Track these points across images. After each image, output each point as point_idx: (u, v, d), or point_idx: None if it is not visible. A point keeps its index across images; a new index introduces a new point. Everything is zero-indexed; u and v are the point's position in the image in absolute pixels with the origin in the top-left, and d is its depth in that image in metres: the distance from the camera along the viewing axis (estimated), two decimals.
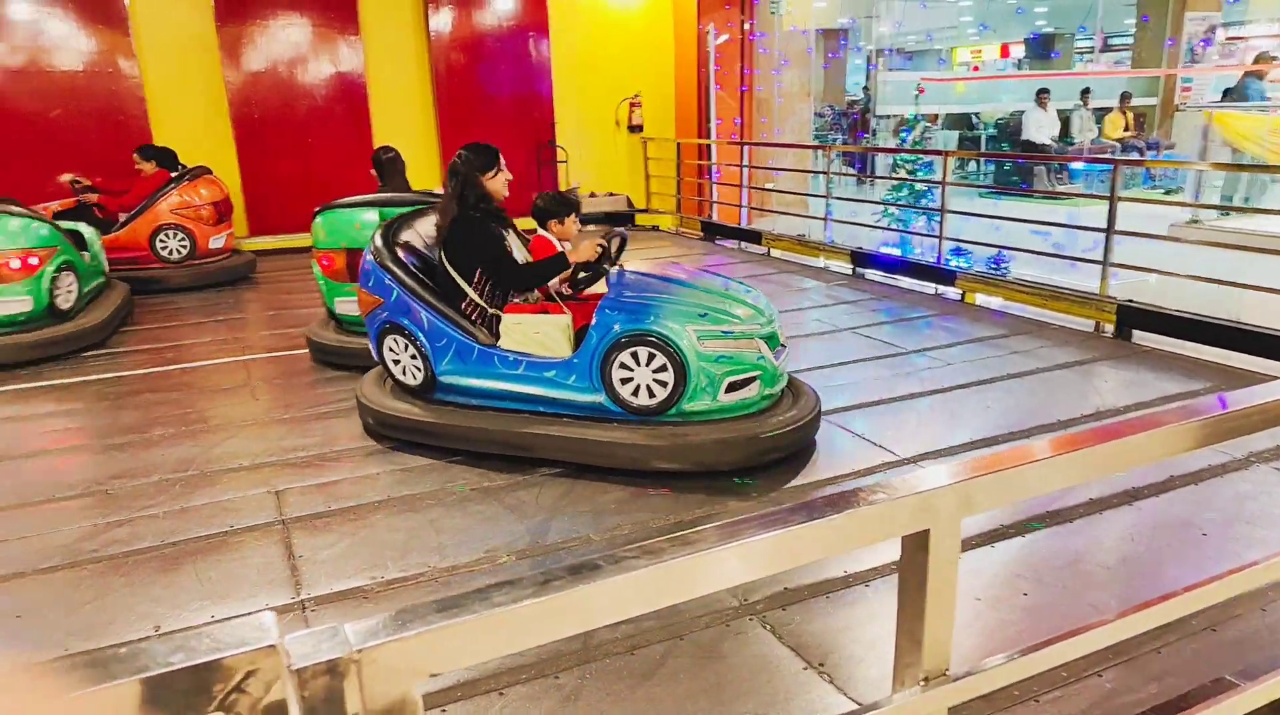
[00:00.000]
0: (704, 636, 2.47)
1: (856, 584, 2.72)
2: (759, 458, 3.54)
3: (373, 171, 5.82)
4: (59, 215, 7.09)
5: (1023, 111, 13.73)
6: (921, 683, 1.25)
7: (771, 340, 3.68)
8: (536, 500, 3.38)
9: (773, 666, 2.34)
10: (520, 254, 3.95)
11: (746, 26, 11.41)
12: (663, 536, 1.03)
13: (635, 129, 11.55)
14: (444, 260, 3.84)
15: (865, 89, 16.81)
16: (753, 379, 3.58)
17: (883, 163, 13.39)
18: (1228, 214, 8.48)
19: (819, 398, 3.89)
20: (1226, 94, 10.92)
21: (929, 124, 14.56)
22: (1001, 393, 4.48)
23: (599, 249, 3.77)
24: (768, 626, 2.51)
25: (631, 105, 11.51)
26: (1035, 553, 2.90)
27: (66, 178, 8.15)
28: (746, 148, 10.35)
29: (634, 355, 3.50)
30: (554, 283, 3.96)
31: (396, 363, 3.95)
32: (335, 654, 0.82)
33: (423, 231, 4.17)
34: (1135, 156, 12.59)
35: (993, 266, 7.55)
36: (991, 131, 15.28)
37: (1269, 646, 2.37)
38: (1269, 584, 1.92)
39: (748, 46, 11.46)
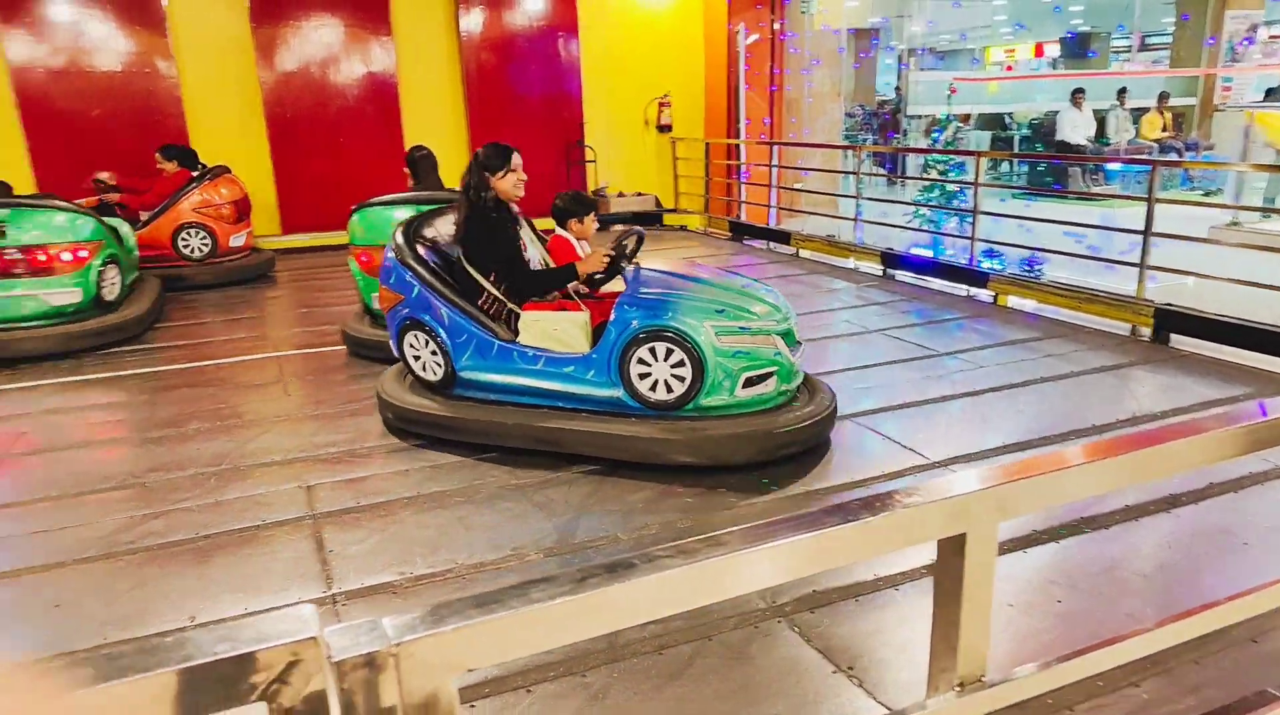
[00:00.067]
0: (732, 637, 2.46)
1: (886, 587, 2.70)
2: (774, 453, 3.56)
3: (405, 170, 5.88)
4: None
5: (1057, 112, 13.53)
6: (956, 688, 1.23)
7: (788, 337, 3.70)
8: (565, 498, 3.39)
9: (801, 669, 2.33)
10: (536, 252, 3.98)
11: (777, 26, 11.36)
12: (697, 537, 1.03)
13: (664, 129, 11.55)
14: (462, 257, 3.89)
15: (897, 89, 16.67)
16: (770, 374, 3.61)
17: (914, 163, 13.27)
18: (1269, 216, 8.29)
19: (835, 395, 3.90)
20: (1269, 94, 10.69)
21: (961, 124, 14.40)
22: (1034, 396, 4.42)
23: (606, 260, 3.82)
24: (796, 629, 2.50)
25: (660, 105, 11.51)
26: (1069, 559, 2.86)
27: (104, 176, 8.32)
28: (775, 148, 10.31)
29: (652, 350, 3.53)
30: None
31: (417, 359, 3.99)
32: (374, 647, 0.83)
33: (443, 229, 4.22)
34: (1173, 157, 12.36)
35: (1026, 268, 7.45)
36: (1025, 132, 15.08)
37: None
38: None
39: (778, 46, 11.40)
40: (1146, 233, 5.62)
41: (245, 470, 3.75)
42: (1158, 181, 5.66)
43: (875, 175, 13.33)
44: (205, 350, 5.84)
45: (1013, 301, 6.46)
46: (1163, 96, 13.56)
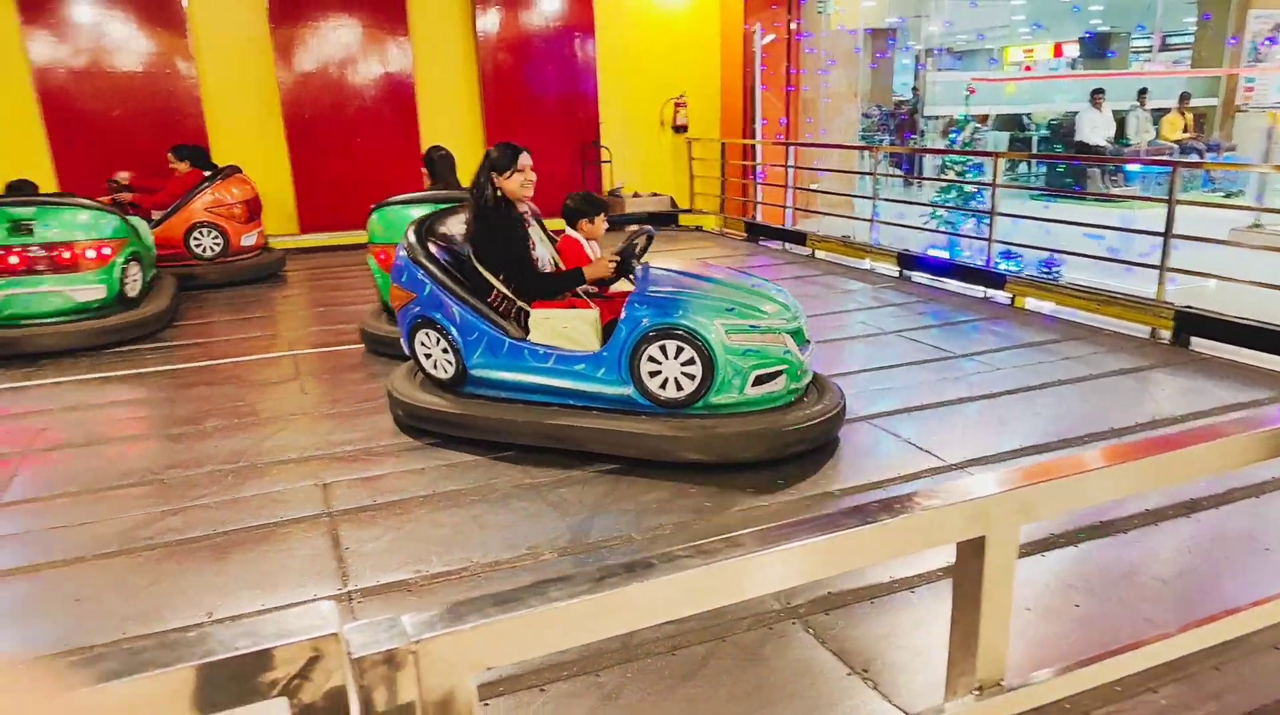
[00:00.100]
0: (746, 639, 2.46)
1: (901, 589, 2.68)
2: (783, 451, 3.58)
3: (422, 169, 5.91)
4: None
5: (1076, 112, 13.42)
6: (975, 692, 1.22)
7: (798, 335, 3.72)
8: (579, 498, 3.39)
9: (815, 671, 2.32)
10: (546, 251, 4.00)
11: (793, 26, 11.33)
12: (716, 537, 1.02)
13: (680, 129, 11.54)
14: (472, 255, 3.92)
15: (914, 89, 16.58)
16: (779, 373, 3.63)
17: (930, 164, 13.20)
18: None
19: (843, 394, 3.92)
20: None
21: (979, 125, 14.31)
22: (1052, 399, 4.39)
23: (612, 266, 3.85)
24: (810, 630, 2.49)
25: (676, 105, 11.50)
26: (1088, 563, 2.83)
27: (122, 176, 8.41)
28: (792, 148, 10.28)
29: (662, 348, 3.55)
30: None
31: (428, 357, 4.01)
32: (394, 644, 0.83)
33: (455, 228, 4.25)
34: (1194, 158, 12.24)
35: (1044, 270, 7.40)
36: (1044, 133, 14.97)
37: None
38: None
39: (794, 46, 11.38)
40: (1167, 234, 5.56)
41: (262, 467, 3.78)
42: (1178, 183, 5.61)
43: (891, 176, 13.27)
44: (222, 348, 5.89)
45: (1030, 303, 6.41)
46: (1184, 97, 13.43)
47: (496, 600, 0.89)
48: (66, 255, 5.87)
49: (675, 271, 3.87)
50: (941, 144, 13.65)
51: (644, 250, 4.00)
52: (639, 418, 3.64)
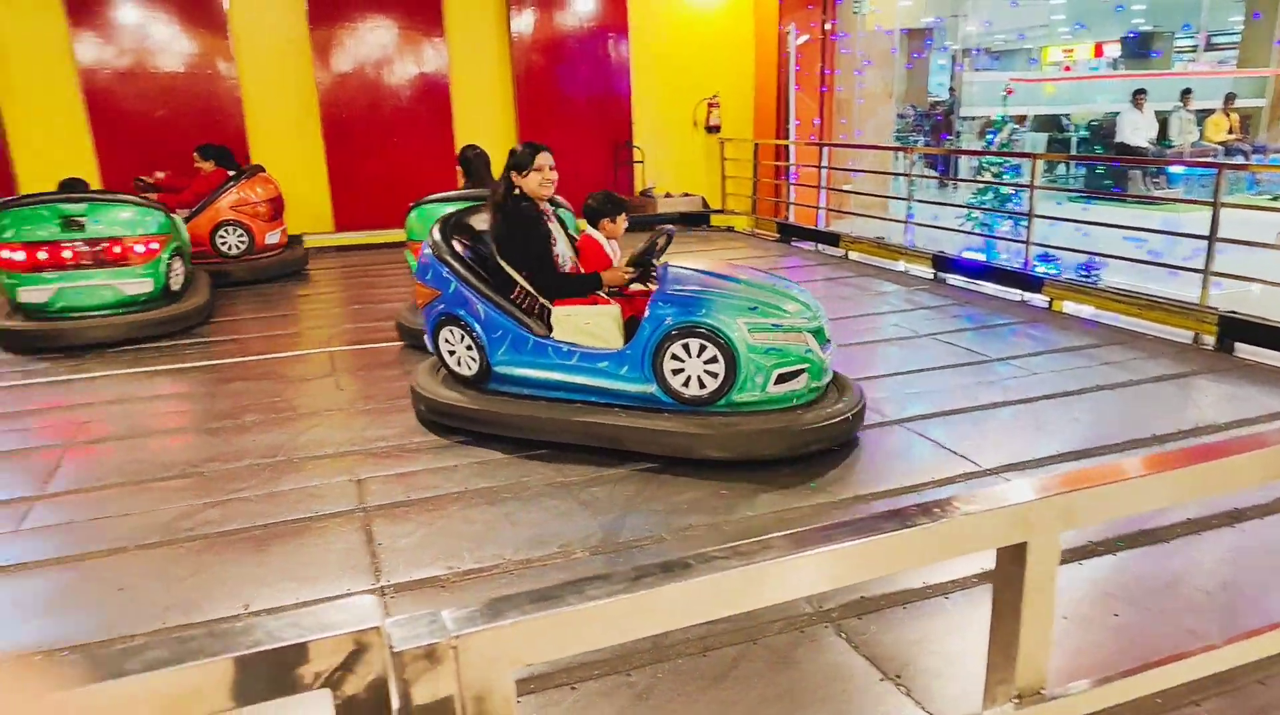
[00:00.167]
0: (778, 641, 2.45)
1: (935, 595, 2.65)
2: (803, 448, 3.59)
3: (457, 168, 5.98)
4: None
5: (1118, 113, 13.18)
6: (1014, 700, 1.21)
7: (819, 334, 3.74)
8: (610, 497, 3.40)
9: (847, 676, 2.30)
10: (565, 250, 4.01)
11: (828, 26, 11.26)
12: (753, 539, 1.02)
13: (713, 129, 11.52)
14: (495, 253, 3.96)
15: (950, 89, 16.39)
16: (801, 371, 3.64)
17: (965, 165, 13.04)
18: None
19: (863, 393, 3.94)
20: None
21: (1016, 125, 14.11)
22: (1091, 405, 4.31)
23: (627, 276, 3.89)
24: (843, 635, 2.47)
25: (710, 105, 11.48)
26: (1127, 572, 2.78)
27: (158, 175, 8.60)
28: (825, 149, 10.22)
29: (685, 347, 3.57)
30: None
31: (452, 354, 4.05)
32: (434, 639, 0.84)
33: (479, 226, 4.29)
34: (1240, 160, 11.96)
35: (1083, 273, 7.27)
36: (1084, 134, 14.71)
37: None
38: None
39: (829, 47, 11.30)
40: (1211, 238, 5.44)
41: (299, 462, 3.84)
42: (1224, 185, 5.48)
43: (926, 177, 13.13)
44: (258, 344, 5.99)
45: (1068, 307, 6.31)
46: (1229, 98, 13.13)
47: (535, 597, 0.89)
48: (116, 250, 6.06)
49: (697, 270, 3.89)
50: (978, 145, 13.47)
51: (664, 250, 4.03)
52: (661, 415, 3.66)
